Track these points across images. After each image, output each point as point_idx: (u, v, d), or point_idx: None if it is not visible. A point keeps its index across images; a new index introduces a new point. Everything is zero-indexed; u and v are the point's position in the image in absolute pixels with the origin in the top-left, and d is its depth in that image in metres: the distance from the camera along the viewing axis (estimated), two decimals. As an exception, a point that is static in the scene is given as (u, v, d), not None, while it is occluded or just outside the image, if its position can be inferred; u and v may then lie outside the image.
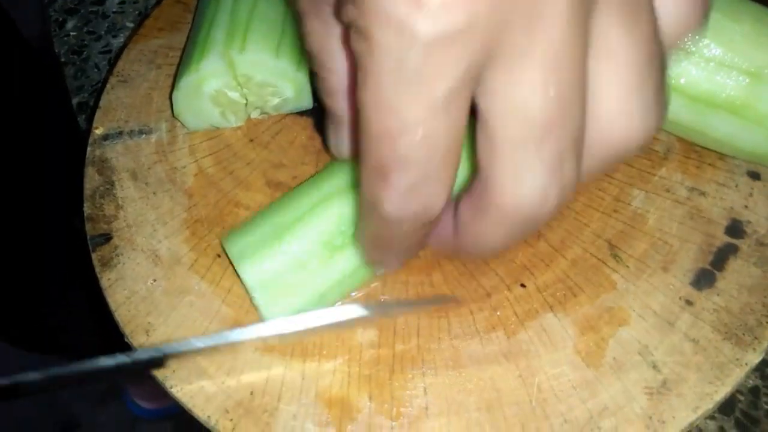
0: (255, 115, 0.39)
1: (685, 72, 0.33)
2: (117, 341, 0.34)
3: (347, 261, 0.32)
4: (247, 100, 0.38)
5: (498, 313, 0.33)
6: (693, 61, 0.32)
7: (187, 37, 0.42)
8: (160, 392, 0.99)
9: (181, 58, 0.42)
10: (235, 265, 0.32)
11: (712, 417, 0.38)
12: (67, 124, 0.52)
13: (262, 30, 0.36)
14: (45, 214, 0.62)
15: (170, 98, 0.39)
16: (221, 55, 0.35)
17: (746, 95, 0.32)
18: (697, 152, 0.37)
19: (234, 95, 0.37)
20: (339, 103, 0.29)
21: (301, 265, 0.31)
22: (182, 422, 1.21)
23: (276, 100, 0.38)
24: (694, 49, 0.32)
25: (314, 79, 0.30)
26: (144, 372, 0.31)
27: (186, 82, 0.36)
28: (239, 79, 0.36)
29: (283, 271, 0.31)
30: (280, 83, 0.37)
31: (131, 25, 0.56)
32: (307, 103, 0.39)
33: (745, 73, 0.32)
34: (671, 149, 0.37)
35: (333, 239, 0.31)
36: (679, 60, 0.33)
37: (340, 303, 0.33)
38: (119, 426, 1.25)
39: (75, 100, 0.53)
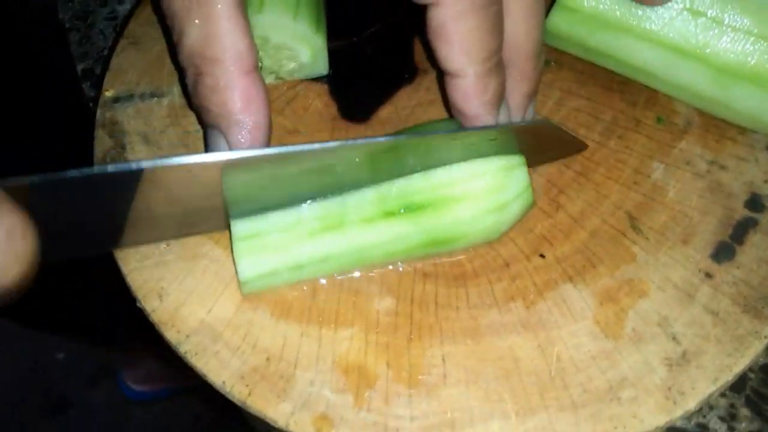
0: (270, 80, 0.39)
1: (711, 42, 0.32)
2: (119, 320, 0.33)
3: (338, 242, 0.32)
4: (262, 63, 0.37)
5: (516, 283, 0.33)
6: (720, 30, 0.32)
7: None
8: (153, 375, 0.99)
9: None
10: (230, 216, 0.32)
11: (723, 394, 0.38)
12: (71, 89, 0.51)
13: None
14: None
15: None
16: None
17: (772, 66, 0.32)
18: (717, 126, 0.37)
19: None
20: (229, 94, 0.29)
21: (289, 229, 0.31)
22: (174, 405, 1.21)
23: (291, 65, 0.37)
24: (721, 17, 0.32)
25: (186, 88, 0.31)
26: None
27: None
28: (256, 40, 0.35)
29: (270, 230, 0.31)
30: (296, 47, 0.36)
31: (134, -8, 0.55)
32: (323, 68, 0.38)
33: (773, 43, 0.32)
34: (691, 122, 0.37)
35: (331, 218, 0.31)
36: (705, 29, 0.32)
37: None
38: (110, 408, 1.24)
39: (80, 67, 0.52)
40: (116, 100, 0.39)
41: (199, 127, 0.38)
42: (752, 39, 0.32)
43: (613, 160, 0.36)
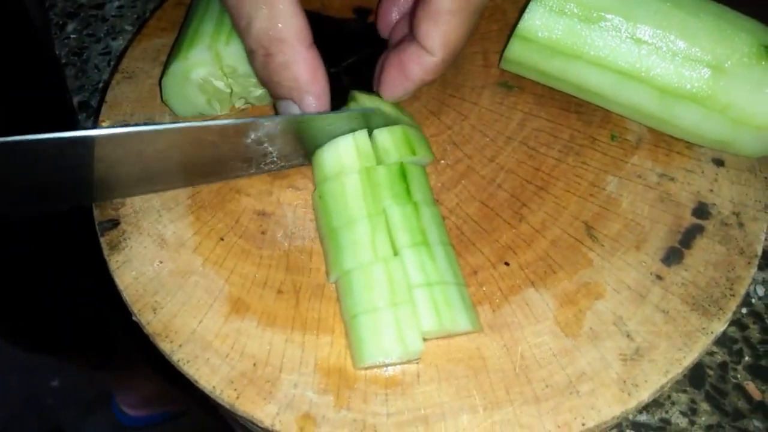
0: (239, 104, 0.42)
1: (654, 65, 0.36)
2: (115, 342, 0.36)
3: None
4: (232, 89, 0.40)
5: (484, 289, 0.36)
6: (661, 55, 0.35)
7: (179, 31, 0.45)
8: (148, 400, 0.99)
9: (171, 49, 0.44)
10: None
11: (683, 390, 0.41)
12: (68, 122, 0.54)
13: None
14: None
15: (159, 84, 0.41)
16: (208, 47, 0.38)
17: (709, 86, 0.35)
18: (666, 141, 0.40)
19: (219, 84, 0.39)
20: (298, 68, 0.34)
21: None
22: (168, 430, 1.21)
23: (258, 92, 0.41)
24: (661, 44, 0.35)
25: (254, 69, 0.35)
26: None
27: (175, 69, 0.39)
28: (225, 69, 0.39)
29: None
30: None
31: (130, 28, 0.58)
32: None
33: (708, 65, 0.35)
34: (642, 139, 0.40)
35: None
36: (648, 54, 0.36)
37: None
38: (105, 435, 1.25)
39: (76, 99, 0.55)
40: (112, 129, 0.42)
41: (189, 152, 0.41)
42: (690, 62, 0.35)
43: (571, 175, 0.39)
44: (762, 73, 0.34)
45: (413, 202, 0.34)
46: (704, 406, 0.40)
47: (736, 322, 0.43)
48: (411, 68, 0.36)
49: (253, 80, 0.40)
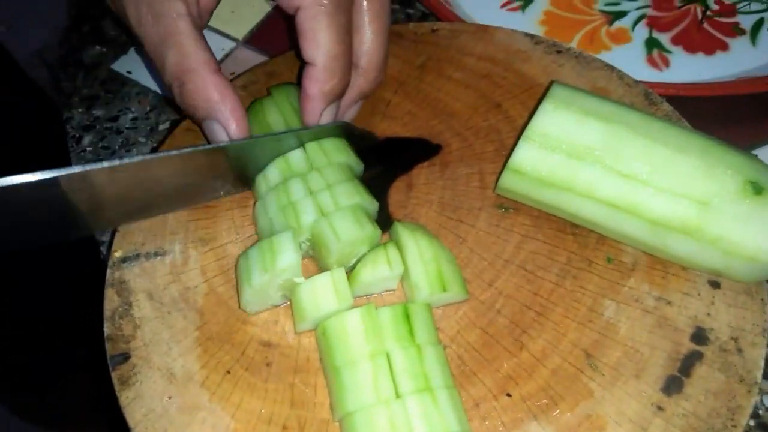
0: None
1: (643, 200, 0.37)
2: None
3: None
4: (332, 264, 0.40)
5: (486, 423, 0.36)
6: (649, 190, 0.37)
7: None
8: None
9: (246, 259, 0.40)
10: None
11: None
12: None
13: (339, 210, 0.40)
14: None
15: (238, 293, 0.41)
16: (295, 250, 0.38)
17: (698, 220, 0.36)
18: (661, 263, 0.41)
19: (299, 280, 0.39)
20: (209, 91, 0.39)
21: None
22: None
23: (354, 260, 0.41)
24: (649, 179, 0.37)
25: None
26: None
27: (260, 280, 0.38)
28: (331, 261, 0.40)
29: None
30: (360, 248, 0.40)
31: (143, 140, 0.61)
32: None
33: (696, 201, 0.36)
34: (638, 261, 0.41)
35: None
36: (637, 189, 0.37)
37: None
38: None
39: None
40: (124, 260, 0.43)
41: (197, 282, 0.42)
42: (677, 198, 0.36)
43: (569, 300, 0.40)
44: (749, 208, 0.35)
45: (416, 345, 0.35)
46: None
47: (744, 437, 0.43)
48: (306, 86, 0.40)
49: (353, 253, 0.40)
